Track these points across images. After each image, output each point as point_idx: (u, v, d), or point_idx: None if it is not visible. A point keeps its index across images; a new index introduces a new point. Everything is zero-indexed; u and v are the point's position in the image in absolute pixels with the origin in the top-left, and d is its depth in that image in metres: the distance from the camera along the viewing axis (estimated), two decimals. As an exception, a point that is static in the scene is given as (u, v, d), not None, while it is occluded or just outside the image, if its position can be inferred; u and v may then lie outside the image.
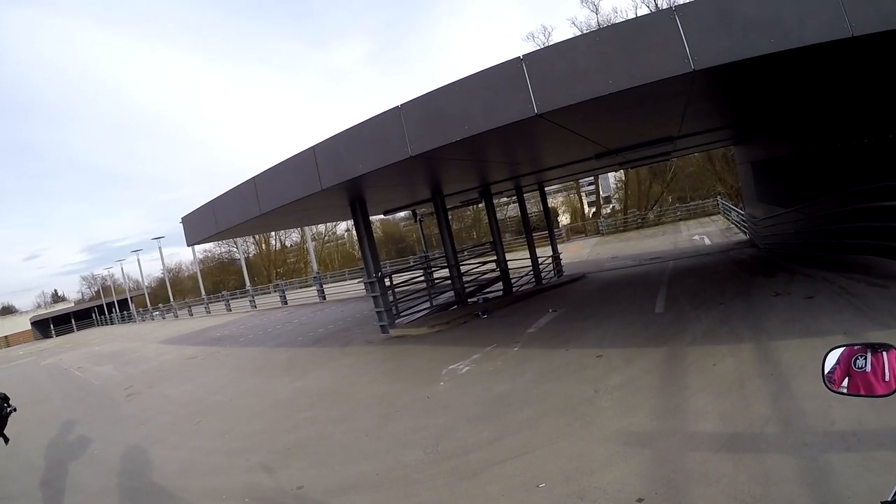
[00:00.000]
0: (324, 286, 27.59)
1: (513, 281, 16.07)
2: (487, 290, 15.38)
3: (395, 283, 12.96)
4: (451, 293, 14.28)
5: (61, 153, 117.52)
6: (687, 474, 3.61)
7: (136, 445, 7.01)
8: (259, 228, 22.31)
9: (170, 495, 5.15)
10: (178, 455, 6.36)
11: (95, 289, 71.92)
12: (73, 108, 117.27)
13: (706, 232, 26.50)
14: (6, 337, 56.76)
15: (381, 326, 11.86)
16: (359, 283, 23.64)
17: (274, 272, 58.71)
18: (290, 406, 7.72)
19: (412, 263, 20.95)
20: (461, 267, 14.73)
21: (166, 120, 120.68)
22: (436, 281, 15.27)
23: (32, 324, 59.35)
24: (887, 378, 1.28)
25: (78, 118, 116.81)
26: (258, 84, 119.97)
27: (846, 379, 1.37)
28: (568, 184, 44.89)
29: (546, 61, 6.05)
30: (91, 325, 59.24)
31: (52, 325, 58.95)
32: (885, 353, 1.31)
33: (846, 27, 4.73)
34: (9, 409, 3.31)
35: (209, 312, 33.06)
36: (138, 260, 47.15)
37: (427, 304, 14.18)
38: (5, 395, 3.34)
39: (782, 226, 14.52)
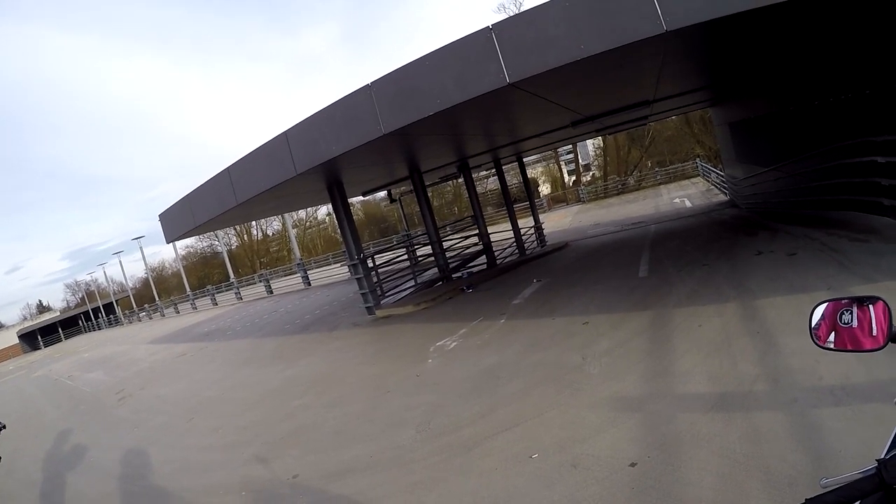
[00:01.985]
0: (308, 272, 27.44)
1: (496, 253, 16.06)
2: (471, 264, 15.37)
3: (378, 263, 12.90)
4: (435, 270, 14.24)
5: (35, 164, 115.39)
6: (678, 436, 3.62)
7: (131, 449, 6.96)
8: (238, 219, 22.02)
9: (168, 496, 5.13)
10: (174, 454, 6.33)
11: (80, 295, 70.85)
12: (44, 116, 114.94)
13: (687, 194, 26.58)
14: (-6, 353, 55.80)
15: (367, 308, 11.82)
16: (343, 266, 23.56)
17: (258, 262, 58.20)
18: (281, 395, 7.69)
19: (395, 243, 20.84)
20: (444, 243, 14.69)
21: (141, 119, 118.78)
22: (419, 259, 15.20)
23: (20, 337, 58.24)
24: (874, 332, 1.24)
25: (50, 126, 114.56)
26: (232, 76, 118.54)
27: (832, 334, 1.33)
28: (547, 153, 44.83)
29: (516, 30, 5.95)
30: (78, 332, 58.51)
31: (39, 336, 57.94)
32: (871, 307, 1.27)
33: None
34: None
35: (195, 308, 32.81)
36: (120, 262, 46.74)
37: (412, 283, 14.15)
38: None
39: (762, 185, 14.56)
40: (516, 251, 17.50)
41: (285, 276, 36.32)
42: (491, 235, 15.98)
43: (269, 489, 4.67)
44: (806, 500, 1.01)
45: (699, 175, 33.33)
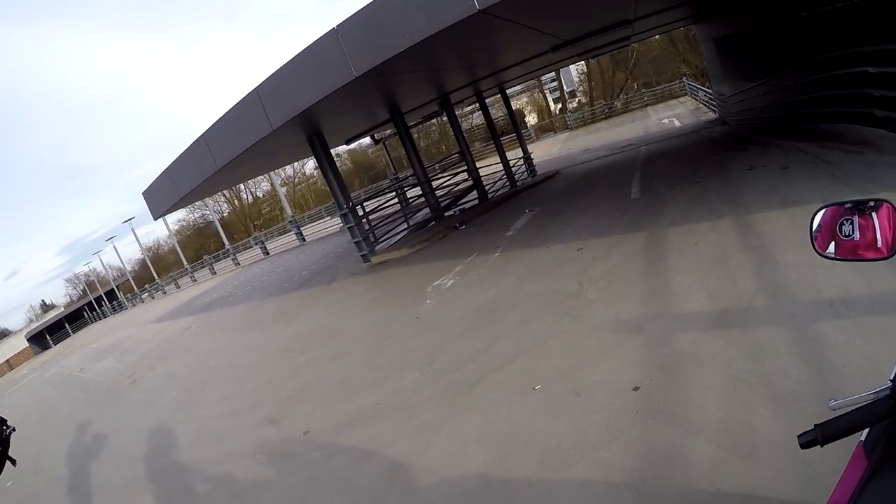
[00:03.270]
0: (301, 228, 27.29)
1: (487, 188, 15.91)
2: (462, 200, 15.26)
3: (368, 210, 12.76)
4: (427, 210, 14.14)
5: (16, 162, 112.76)
6: (680, 357, 3.60)
7: (148, 429, 6.98)
8: (223, 184, 21.71)
9: (187, 469, 5.16)
10: (189, 428, 6.35)
11: (81, 287, 70.53)
12: (15, 113, 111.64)
13: (675, 114, 26.18)
14: (7, 361, 55.63)
15: (362, 256, 11.78)
16: (335, 218, 23.39)
17: (251, 225, 57.76)
18: (286, 354, 7.70)
19: (385, 189, 20.68)
20: (433, 182, 14.52)
21: (114, 100, 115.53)
22: (410, 200, 15.07)
23: (28, 340, 58.12)
24: (879, 243, 1.14)
25: (23, 123, 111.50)
26: (202, 41, 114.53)
27: (832, 244, 1.23)
28: (531, 83, 43.91)
29: (482, -48, 5.66)
30: (85, 324, 58.20)
31: (47, 335, 57.59)
32: (874, 214, 1.15)
33: None
34: (8, 431, 3.16)
35: (195, 281, 32.65)
36: (115, 247, 45.97)
37: (404, 226, 14.06)
38: (1, 417, 3.19)
39: (751, 101, 14.28)
40: (507, 184, 17.35)
41: (280, 235, 36.15)
42: (480, 170, 15.82)
43: (282, 449, 4.70)
44: (815, 425, 0.96)
45: (686, 94, 32.74)
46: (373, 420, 4.48)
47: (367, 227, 12.21)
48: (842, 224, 1.22)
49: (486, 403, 3.99)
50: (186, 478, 4.99)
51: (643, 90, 39.13)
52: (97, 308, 56.22)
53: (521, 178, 18.40)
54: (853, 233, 1.18)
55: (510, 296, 6.21)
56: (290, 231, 28.87)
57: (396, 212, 14.19)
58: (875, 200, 1.17)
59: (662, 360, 3.65)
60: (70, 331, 57.52)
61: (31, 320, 70.81)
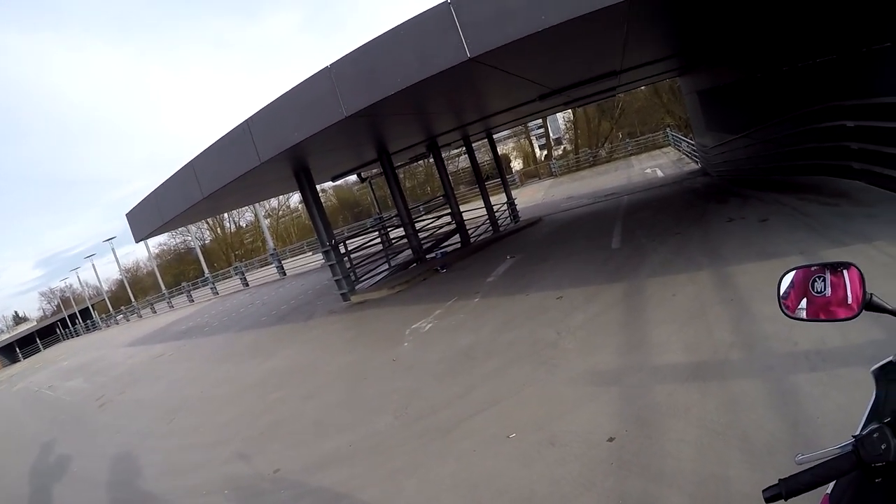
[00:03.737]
0: (283, 262, 27.15)
1: (469, 231, 15.99)
2: (445, 243, 15.27)
3: (351, 248, 12.75)
4: (409, 252, 14.14)
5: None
6: (656, 408, 3.59)
7: (114, 455, 6.84)
8: (207, 212, 21.65)
9: (154, 500, 5.04)
10: (157, 458, 6.23)
11: (55, 303, 69.23)
12: (5, 119, 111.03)
13: (658, 164, 26.72)
14: (-26, 371, 54.47)
15: (342, 294, 11.71)
16: (317, 254, 23.30)
17: (232, 255, 57.40)
18: (260, 389, 7.59)
19: (369, 227, 20.72)
20: (416, 224, 14.57)
21: (103, 117, 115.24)
22: (392, 241, 15.09)
23: None
24: (849, 300, 1.17)
25: (10, 131, 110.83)
26: (195, 65, 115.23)
27: (804, 302, 1.25)
28: (517, 129, 44.57)
29: (475, 2, 5.82)
30: (56, 340, 57.22)
31: (17, 348, 56.47)
32: (845, 272, 1.19)
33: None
34: None
35: (172, 307, 32.29)
36: (93, 266, 45.53)
37: (386, 266, 14.05)
38: None
39: (733, 152, 14.66)
40: (490, 228, 17.47)
41: (260, 266, 35.92)
42: (464, 214, 15.90)
43: (251, 485, 4.60)
44: (779, 480, 0.97)
45: (670, 144, 33.44)
46: (345, 462, 4.40)
47: (348, 265, 12.17)
48: (814, 281, 1.24)
49: (460, 450, 3.94)
50: (151, 509, 4.87)
51: (627, 140, 39.90)
52: (70, 325, 55.10)
53: (505, 223, 18.56)
54: (825, 288, 1.21)
55: (488, 342, 6.19)
56: (271, 263, 28.72)
57: (378, 252, 14.19)
58: (842, 263, 1.19)
59: (638, 411, 3.63)
60: (41, 346, 56.37)
61: (2, 331, 69.01)
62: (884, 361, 1.04)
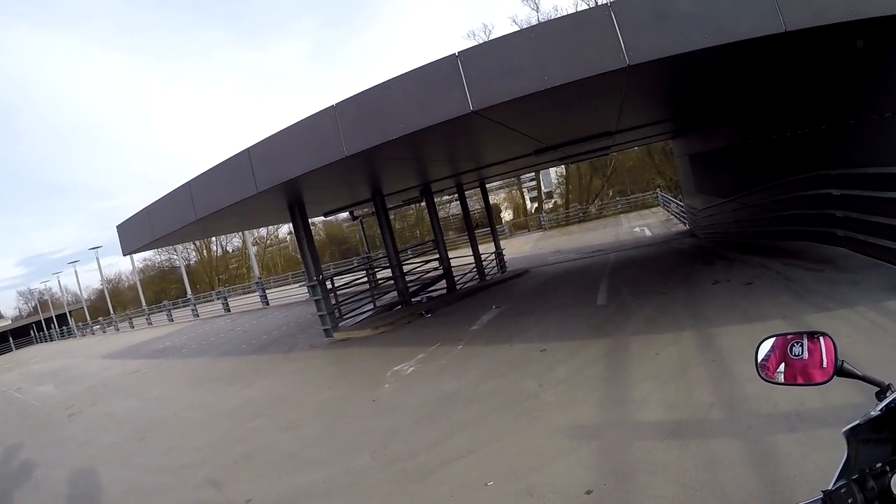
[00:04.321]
0: (267, 291, 27.00)
1: (456, 278, 16.04)
2: (431, 288, 15.32)
3: (337, 285, 12.74)
4: (395, 293, 14.15)
5: None
6: (634, 464, 3.62)
7: (80, 468, 6.70)
8: (198, 234, 21.64)
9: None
10: (125, 475, 6.11)
11: (33, 304, 68.14)
12: (2, 117, 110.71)
13: (647, 223, 27.10)
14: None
15: (325, 330, 11.66)
16: (302, 287, 23.23)
17: (216, 279, 57.03)
18: (235, 417, 7.49)
19: (356, 265, 20.70)
20: (404, 266, 14.63)
21: (101, 127, 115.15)
22: (379, 281, 15.13)
23: None
24: (825, 364, 1.26)
25: (7, 128, 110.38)
26: (195, 86, 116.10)
27: (782, 366, 1.34)
28: (510, 180, 45.22)
29: (482, 58, 6.03)
30: (30, 342, 56.34)
31: None
32: (821, 339, 1.29)
33: (780, 22, 4.87)
34: None
35: (151, 324, 31.91)
36: (76, 272, 45.31)
37: (371, 306, 14.03)
38: None
39: (721, 216, 14.95)
40: (476, 276, 17.56)
41: (244, 294, 35.66)
42: (451, 260, 16.00)
43: (221, 514, 4.51)
44: None
45: (659, 205, 33.95)
46: (319, 498, 4.35)
47: (333, 301, 12.16)
48: (792, 346, 1.34)
49: (436, 495, 3.92)
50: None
51: (618, 198, 40.54)
52: (45, 329, 54.20)
53: (491, 272, 18.65)
54: (803, 353, 1.31)
55: (470, 390, 6.19)
56: (254, 291, 28.54)
57: (364, 290, 14.19)
58: (817, 332, 1.30)
59: (616, 466, 3.66)
60: (13, 346, 55.15)
61: (-26, 326, 67.49)
62: (854, 423, 1.12)
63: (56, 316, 54.01)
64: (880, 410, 1.10)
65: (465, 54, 6.02)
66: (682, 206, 24.08)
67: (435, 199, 18.10)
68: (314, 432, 6.06)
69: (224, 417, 7.64)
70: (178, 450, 6.62)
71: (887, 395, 1.13)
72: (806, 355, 1.30)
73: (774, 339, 1.38)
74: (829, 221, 7.96)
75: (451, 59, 6.02)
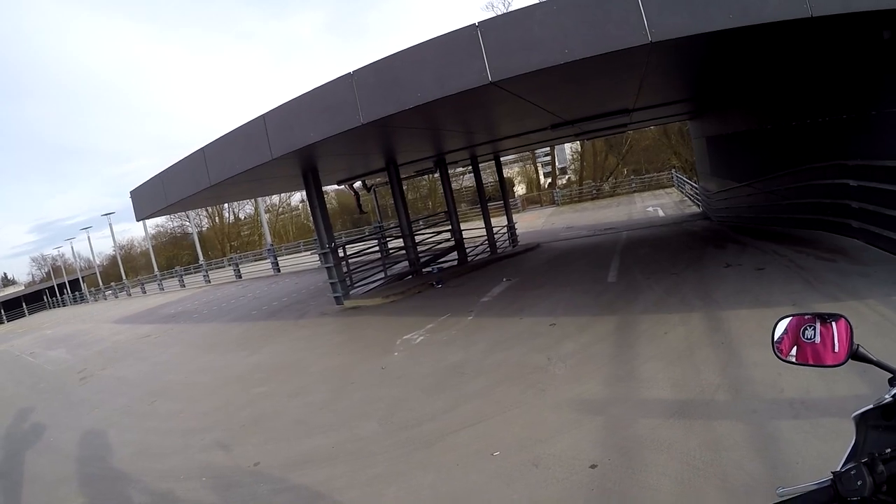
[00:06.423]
0: (278, 259, 27.16)
1: (468, 250, 16.08)
2: (442, 259, 15.36)
3: (349, 253, 12.79)
4: (406, 263, 14.22)
5: (5, 128, 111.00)
6: (639, 441, 3.66)
7: (91, 430, 6.82)
8: (211, 200, 21.74)
9: (127, 479, 5.03)
10: (134, 437, 6.22)
11: (46, 270, 68.91)
12: (17, 79, 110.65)
13: (660, 204, 26.93)
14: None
15: (336, 298, 11.74)
16: (313, 254, 23.32)
17: (228, 245, 57.25)
18: (244, 382, 7.60)
19: (367, 234, 20.77)
20: (416, 237, 14.66)
21: (117, 90, 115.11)
22: (390, 251, 15.16)
23: None
24: (836, 349, 1.27)
25: (23, 90, 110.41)
26: (214, 52, 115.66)
27: (795, 348, 1.35)
28: (524, 154, 44.93)
29: (501, 29, 5.94)
30: (43, 307, 57.06)
31: (2, 310, 56.31)
32: (833, 324, 1.29)
33: (806, 7, 4.75)
34: None
35: (163, 289, 32.20)
36: (88, 238, 45.63)
37: (382, 275, 14.10)
38: None
39: (735, 200, 14.82)
40: (488, 249, 17.58)
41: (255, 260, 35.85)
42: (463, 232, 16.01)
43: (229, 476, 4.61)
44: None
45: (674, 186, 33.68)
46: (326, 463, 4.43)
47: (345, 269, 12.23)
48: (805, 329, 1.34)
49: (442, 462, 3.99)
50: (124, 487, 4.88)
51: (632, 176, 40.18)
52: (58, 295, 54.91)
53: (503, 246, 18.65)
54: (815, 336, 1.31)
55: (478, 361, 6.24)
56: (266, 258, 28.70)
57: (376, 259, 14.24)
58: (833, 315, 1.30)
59: (621, 442, 3.70)
60: (26, 311, 56.01)
61: (-11, 291, 68.41)
62: (864, 409, 1.13)
63: (69, 281, 54.58)
64: (892, 396, 1.10)
65: (485, 25, 5.94)
66: (696, 188, 23.89)
67: (448, 171, 18.03)
68: (322, 398, 6.14)
69: (233, 382, 7.75)
70: (188, 413, 6.74)
71: None
72: (818, 339, 1.31)
73: (790, 319, 1.38)
74: (844, 212, 7.86)
75: (471, 29, 5.94)
